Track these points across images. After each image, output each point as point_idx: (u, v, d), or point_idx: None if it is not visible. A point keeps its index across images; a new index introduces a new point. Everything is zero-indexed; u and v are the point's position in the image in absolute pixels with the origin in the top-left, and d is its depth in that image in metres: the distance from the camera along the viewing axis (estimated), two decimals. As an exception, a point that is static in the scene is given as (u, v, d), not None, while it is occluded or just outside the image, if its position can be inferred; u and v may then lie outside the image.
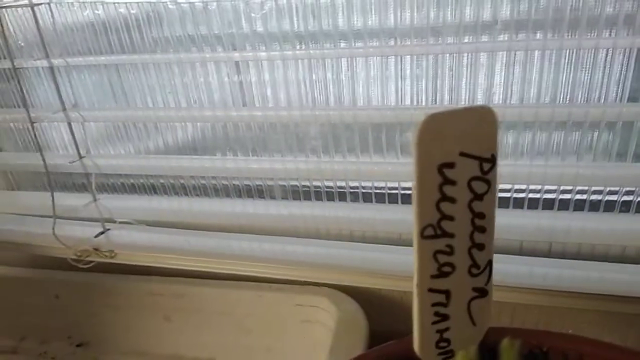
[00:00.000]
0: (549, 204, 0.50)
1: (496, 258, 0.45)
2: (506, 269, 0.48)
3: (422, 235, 0.26)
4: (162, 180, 0.61)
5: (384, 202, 0.54)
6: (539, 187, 0.49)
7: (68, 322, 0.70)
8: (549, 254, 0.49)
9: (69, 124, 0.53)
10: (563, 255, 0.49)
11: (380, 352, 0.31)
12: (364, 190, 0.55)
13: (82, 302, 0.68)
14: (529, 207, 0.50)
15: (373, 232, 0.55)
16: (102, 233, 0.57)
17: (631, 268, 0.46)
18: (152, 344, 0.66)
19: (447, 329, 0.29)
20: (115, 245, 0.56)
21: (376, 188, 0.54)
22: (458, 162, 0.26)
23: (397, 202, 0.54)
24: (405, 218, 0.52)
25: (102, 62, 0.52)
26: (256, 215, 0.55)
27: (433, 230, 0.27)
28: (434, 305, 0.28)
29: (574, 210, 0.49)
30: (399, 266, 0.51)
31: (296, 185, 0.57)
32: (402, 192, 0.53)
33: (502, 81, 0.46)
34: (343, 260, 0.52)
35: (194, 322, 0.64)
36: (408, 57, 0.46)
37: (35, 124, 0.52)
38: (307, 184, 0.56)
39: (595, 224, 0.46)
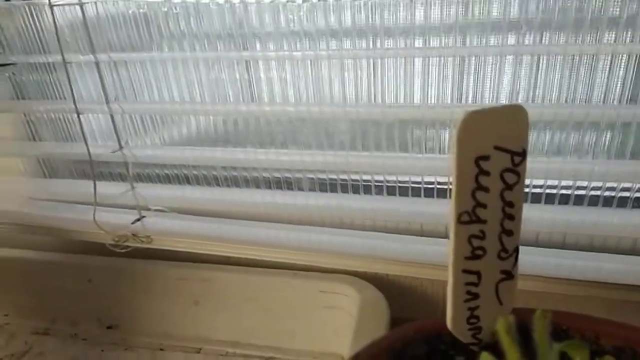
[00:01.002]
0: (564, 199, 0.52)
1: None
2: (522, 258, 0.51)
3: (459, 221, 0.29)
4: (195, 172, 0.64)
5: (408, 195, 0.57)
6: (556, 182, 0.52)
7: (99, 305, 0.73)
8: (563, 245, 0.52)
9: (111, 116, 0.57)
10: (576, 247, 0.52)
11: (415, 327, 0.34)
12: (388, 184, 0.58)
13: (114, 286, 0.72)
14: (546, 202, 0.53)
15: (395, 222, 0.57)
16: (138, 220, 0.60)
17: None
18: (180, 327, 0.70)
19: (477, 307, 0.32)
20: (150, 232, 0.59)
21: (400, 182, 0.57)
22: (492, 155, 0.29)
23: (419, 196, 0.57)
24: (426, 210, 0.55)
25: (144, 58, 0.55)
26: (284, 205, 0.58)
27: (468, 217, 0.30)
28: (466, 284, 0.31)
29: (589, 205, 0.52)
30: (419, 255, 0.54)
31: (324, 178, 0.60)
32: (425, 186, 0.56)
33: (525, 83, 0.49)
34: (366, 249, 0.55)
35: (221, 306, 0.67)
36: (435, 58, 0.49)
37: (81, 115, 0.55)
38: (335, 177, 0.59)
39: (609, 218, 0.49)
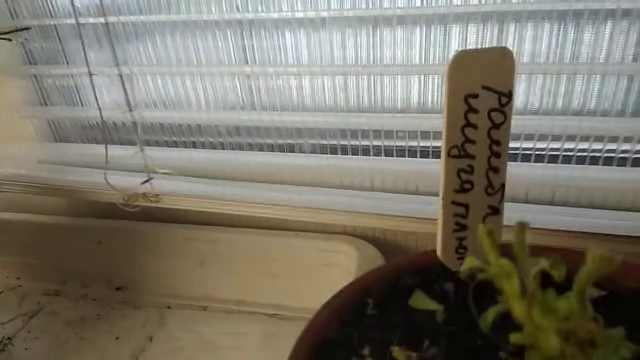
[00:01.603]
0: (553, 158, 0.55)
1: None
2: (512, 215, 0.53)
3: (449, 154, 0.32)
4: (201, 139, 0.67)
5: (404, 156, 0.60)
6: (545, 145, 0.55)
7: (109, 266, 0.76)
8: (552, 202, 0.55)
9: (121, 78, 0.59)
10: (565, 204, 0.55)
11: (409, 259, 0.37)
12: (385, 147, 0.60)
13: (123, 248, 0.74)
14: (536, 161, 0.55)
15: (392, 183, 0.60)
16: (147, 181, 0.63)
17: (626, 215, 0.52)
18: (186, 287, 0.73)
19: (465, 238, 0.34)
20: (158, 192, 0.62)
21: (398, 146, 0.60)
22: (481, 94, 0.31)
23: (415, 157, 0.59)
24: (422, 169, 0.58)
25: (152, 20, 0.58)
26: (286, 166, 0.61)
27: (457, 151, 0.32)
28: (455, 215, 0.34)
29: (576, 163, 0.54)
30: (415, 212, 0.57)
31: (324, 143, 0.62)
32: (421, 149, 0.59)
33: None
34: (363, 207, 0.58)
35: (227, 266, 0.70)
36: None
37: (93, 79, 0.57)
38: (335, 142, 0.61)
39: (596, 174, 0.52)
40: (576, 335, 0.23)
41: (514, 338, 0.24)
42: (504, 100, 0.32)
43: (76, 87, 0.68)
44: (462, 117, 0.31)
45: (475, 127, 0.32)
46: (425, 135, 0.58)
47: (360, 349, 0.30)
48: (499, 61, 0.32)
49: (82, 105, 0.70)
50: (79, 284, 0.78)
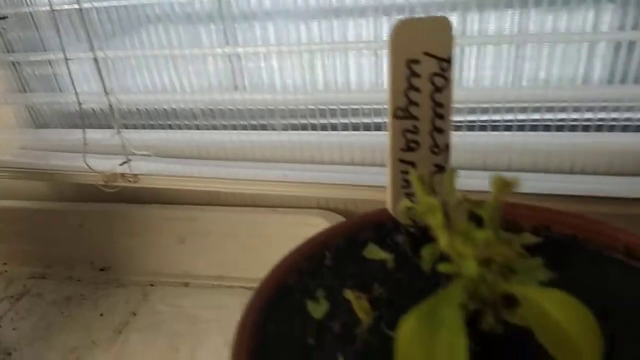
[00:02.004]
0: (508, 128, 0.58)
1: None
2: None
3: (394, 115, 0.35)
4: (177, 122, 0.69)
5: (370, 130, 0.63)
6: (499, 117, 0.58)
7: (91, 249, 0.79)
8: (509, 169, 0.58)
9: (96, 62, 0.61)
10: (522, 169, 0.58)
11: (364, 216, 0.40)
12: (352, 121, 0.63)
13: (104, 230, 0.77)
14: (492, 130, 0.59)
15: (361, 157, 0.63)
16: (125, 162, 0.65)
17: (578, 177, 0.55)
18: (168, 265, 0.75)
19: (413, 194, 0.37)
20: (137, 172, 0.64)
21: (364, 123, 0.63)
22: (422, 60, 0.34)
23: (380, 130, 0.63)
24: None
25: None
26: (259, 143, 0.64)
27: (402, 113, 0.35)
28: (402, 172, 0.37)
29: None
30: (383, 182, 0.60)
31: (295, 123, 0.65)
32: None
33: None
34: (333, 179, 0.61)
35: (206, 243, 0.73)
36: None
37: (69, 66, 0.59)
38: (305, 121, 0.64)
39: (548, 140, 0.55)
40: (495, 261, 0.26)
41: (442, 267, 0.27)
42: (444, 65, 0.35)
43: (54, 74, 0.70)
44: (405, 80, 0.34)
45: (418, 90, 0.35)
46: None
47: (315, 293, 0.33)
48: (439, 29, 0.34)
49: (61, 91, 0.72)
50: (63, 266, 0.81)
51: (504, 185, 0.22)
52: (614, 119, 0.56)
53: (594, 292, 0.32)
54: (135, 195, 0.73)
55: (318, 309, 0.32)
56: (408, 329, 0.24)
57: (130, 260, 0.77)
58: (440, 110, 0.36)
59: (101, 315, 0.70)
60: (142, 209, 0.74)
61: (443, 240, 0.26)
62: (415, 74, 0.35)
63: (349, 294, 0.32)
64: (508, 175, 0.22)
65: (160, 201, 0.74)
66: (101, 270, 0.79)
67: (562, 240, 0.37)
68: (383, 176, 0.60)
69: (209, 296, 0.71)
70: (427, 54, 0.34)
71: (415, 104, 0.35)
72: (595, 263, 0.35)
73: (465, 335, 0.23)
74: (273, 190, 0.63)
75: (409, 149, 0.36)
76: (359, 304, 0.31)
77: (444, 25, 0.35)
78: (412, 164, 0.37)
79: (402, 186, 0.37)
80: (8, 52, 0.70)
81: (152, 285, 0.74)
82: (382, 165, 0.62)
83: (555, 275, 0.28)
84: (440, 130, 0.37)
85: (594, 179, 0.55)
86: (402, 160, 0.36)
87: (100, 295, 0.74)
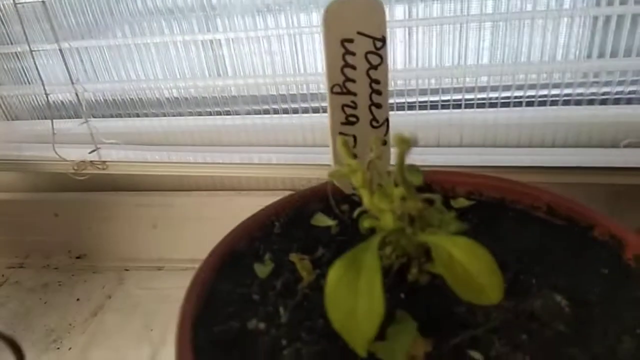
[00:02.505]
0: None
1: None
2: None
3: (332, 91, 0.38)
4: (144, 111, 0.71)
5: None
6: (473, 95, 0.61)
7: (67, 237, 0.81)
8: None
9: (61, 53, 0.63)
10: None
11: (312, 190, 0.43)
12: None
13: (79, 218, 0.79)
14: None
15: (322, 138, 0.66)
16: (94, 151, 0.67)
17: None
18: (142, 250, 0.78)
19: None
20: (106, 160, 0.67)
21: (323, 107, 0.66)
22: (356, 39, 0.37)
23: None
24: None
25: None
26: (224, 128, 0.66)
27: (339, 89, 0.38)
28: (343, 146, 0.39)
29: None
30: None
31: (258, 109, 0.68)
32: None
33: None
34: (295, 160, 0.63)
35: (178, 227, 0.75)
36: None
37: (34, 54, 0.61)
38: (267, 107, 0.67)
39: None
40: (411, 214, 0.29)
41: (365, 223, 0.30)
42: (378, 44, 0.38)
43: (22, 67, 0.72)
44: (340, 58, 0.37)
45: (353, 67, 0.38)
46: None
47: (263, 257, 0.36)
48: (371, 10, 0.37)
49: (29, 83, 0.73)
50: (41, 255, 0.83)
51: (403, 142, 0.24)
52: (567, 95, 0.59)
53: (516, 245, 0.36)
54: (108, 183, 0.75)
55: (263, 269, 0.35)
56: (335, 274, 0.27)
57: (106, 247, 0.79)
58: (377, 86, 0.39)
59: (77, 300, 0.72)
60: (115, 196, 0.77)
61: (365, 197, 0.29)
62: (350, 52, 0.37)
63: (293, 257, 0.35)
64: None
65: (133, 188, 0.76)
66: (77, 258, 0.81)
67: (492, 203, 0.40)
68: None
69: (182, 278, 0.72)
70: (360, 33, 0.37)
71: (352, 80, 0.38)
72: (520, 221, 0.38)
73: (381, 275, 0.26)
74: (239, 173, 0.65)
75: (348, 122, 0.39)
76: (302, 264, 0.34)
77: (377, 6, 0.38)
78: (353, 136, 0.40)
79: (344, 158, 0.40)
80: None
81: (127, 270, 0.77)
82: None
83: (471, 228, 0.31)
84: (378, 105, 0.40)
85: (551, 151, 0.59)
86: (342, 134, 0.39)
87: (76, 282, 0.76)
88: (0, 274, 0.81)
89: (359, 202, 0.39)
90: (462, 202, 0.41)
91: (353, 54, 0.37)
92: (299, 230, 0.39)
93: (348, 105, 0.39)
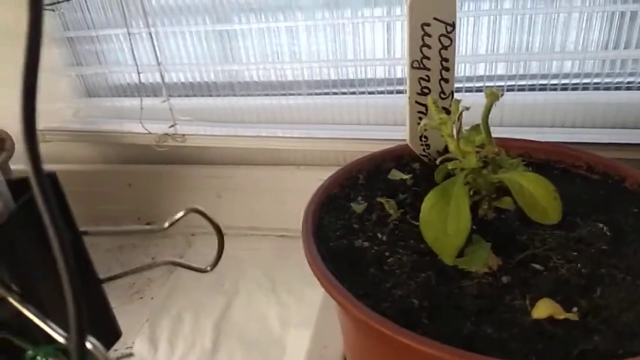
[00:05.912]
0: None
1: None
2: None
3: (412, 66, 0.46)
4: (217, 93, 0.80)
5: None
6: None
7: (138, 205, 0.90)
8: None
9: (151, 36, 0.72)
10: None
11: (386, 150, 0.51)
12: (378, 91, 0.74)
13: (150, 188, 0.88)
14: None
15: (376, 119, 0.74)
16: (172, 125, 0.76)
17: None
18: (206, 218, 0.86)
19: (426, 130, 0.49)
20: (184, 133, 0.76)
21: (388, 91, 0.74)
22: (432, 23, 0.45)
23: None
24: (395, 104, 0.72)
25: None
26: (287, 106, 0.75)
27: (417, 64, 0.46)
28: (418, 112, 0.48)
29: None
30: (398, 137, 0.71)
31: (318, 92, 0.76)
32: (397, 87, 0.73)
33: None
34: (351, 136, 0.72)
35: (240, 198, 0.84)
36: None
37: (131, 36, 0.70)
38: (327, 90, 0.75)
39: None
40: (487, 157, 0.37)
41: (451, 165, 0.38)
42: (449, 28, 0.46)
43: (102, 50, 0.81)
44: (420, 39, 0.45)
45: (429, 47, 0.46)
46: (399, 81, 0.72)
47: (355, 198, 0.45)
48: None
49: (117, 64, 0.82)
50: (112, 223, 0.92)
51: (493, 95, 0.33)
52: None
53: (561, 194, 0.44)
54: (177, 156, 0.84)
55: (358, 207, 0.43)
56: (429, 201, 0.35)
57: (173, 214, 0.88)
58: (446, 64, 0.47)
59: (152, 258, 0.81)
60: (183, 168, 0.85)
61: (451, 144, 0.37)
62: (427, 34, 0.46)
63: (380, 199, 0.43)
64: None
65: (200, 162, 0.85)
66: (147, 224, 0.90)
67: (539, 163, 0.48)
68: (397, 132, 0.72)
69: (245, 242, 0.82)
70: (436, 19, 0.46)
71: (427, 58, 0.46)
72: (564, 177, 0.46)
73: (468, 202, 0.34)
74: (298, 147, 0.74)
75: (423, 93, 0.47)
76: (389, 204, 0.43)
77: (449, -4, 0.46)
78: (425, 105, 0.48)
79: (418, 123, 0.48)
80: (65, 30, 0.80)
81: (193, 235, 0.86)
82: (393, 124, 0.74)
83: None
84: (446, 80, 0.48)
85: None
86: (417, 102, 0.47)
87: (148, 245, 0.85)
88: (77, 237, 0.90)
89: (426, 162, 0.48)
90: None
91: (430, 35, 0.46)
92: (379, 182, 0.48)
93: (423, 79, 0.47)
